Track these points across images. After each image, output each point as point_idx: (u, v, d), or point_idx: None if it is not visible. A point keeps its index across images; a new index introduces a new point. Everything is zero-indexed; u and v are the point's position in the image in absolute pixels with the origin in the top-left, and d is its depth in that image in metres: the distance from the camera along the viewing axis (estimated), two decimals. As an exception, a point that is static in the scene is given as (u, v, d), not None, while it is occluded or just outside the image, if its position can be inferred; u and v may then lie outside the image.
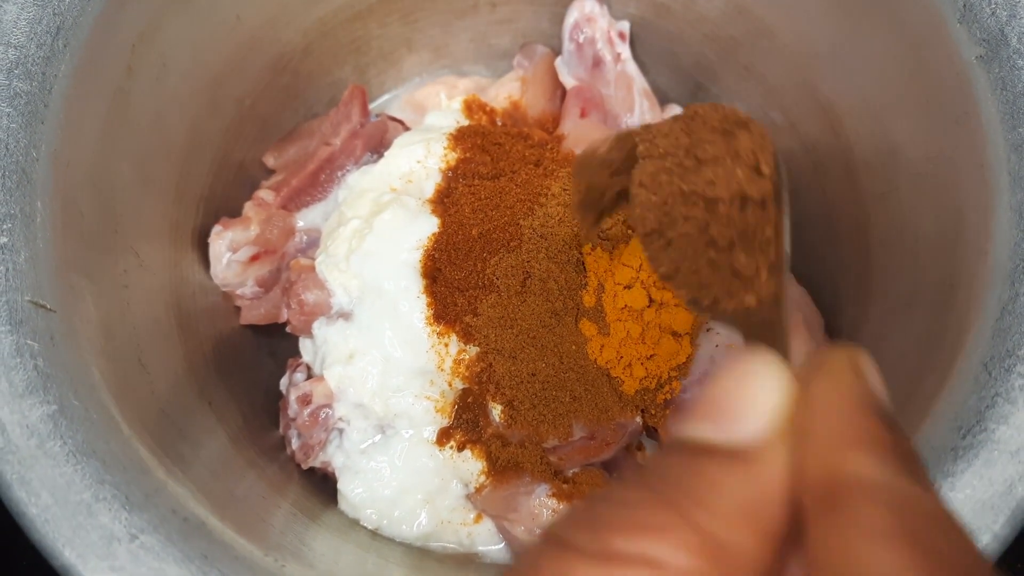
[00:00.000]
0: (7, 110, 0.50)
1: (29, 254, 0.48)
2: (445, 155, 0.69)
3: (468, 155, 0.69)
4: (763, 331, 0.39)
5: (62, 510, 0.43)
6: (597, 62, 0.75)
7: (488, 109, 0.77)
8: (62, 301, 0.49)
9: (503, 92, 0.78)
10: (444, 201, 0.66)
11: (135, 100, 0.59)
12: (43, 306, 0.48)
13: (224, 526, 0.48)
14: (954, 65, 0.54)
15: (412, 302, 0.62)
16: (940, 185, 0.56)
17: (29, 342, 0.46)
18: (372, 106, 0.81)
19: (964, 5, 0.53)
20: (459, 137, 0.70)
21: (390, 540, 0.63)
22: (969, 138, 0.53)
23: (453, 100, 0.77)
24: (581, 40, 0.75)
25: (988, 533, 0.43)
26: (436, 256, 0.63)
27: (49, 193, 0.51)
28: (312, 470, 0.66)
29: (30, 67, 0.51)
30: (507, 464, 0.62)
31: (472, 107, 0.76)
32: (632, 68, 0.75)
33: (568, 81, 0.75)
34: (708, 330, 0.61)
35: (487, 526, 0.63)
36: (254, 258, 0.68)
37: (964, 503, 0.43)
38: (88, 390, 0.47)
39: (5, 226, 0.48)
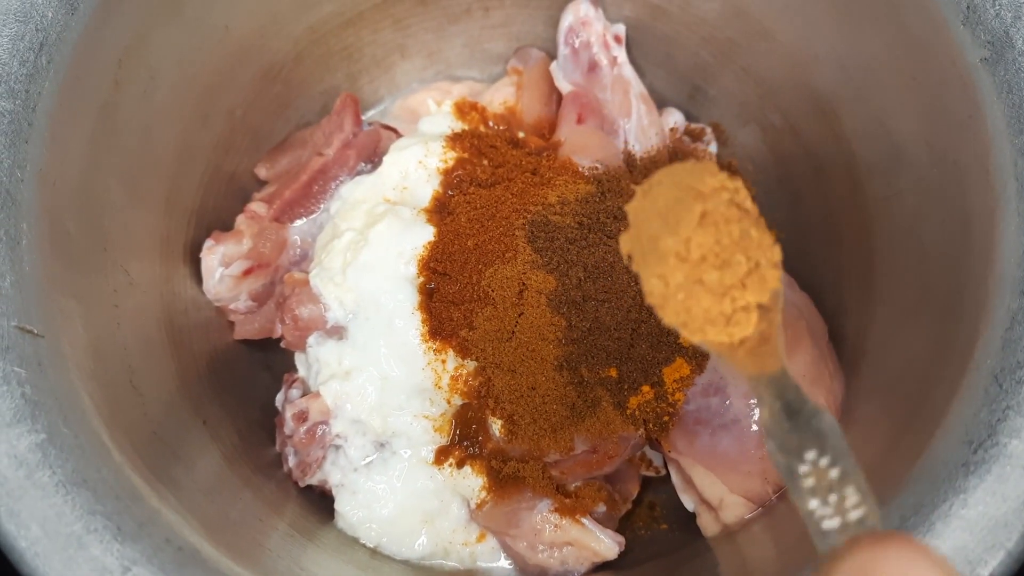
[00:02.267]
0: (-10, 130, 0.49)
1: (15, 278, 0.47)
2: (444, 155, 0.67)
3: (466, 155, 0.68)
4: (756, 362, 0.40)
5: (52, 543, 0.42)
6: (593, 66, 0.73)
7: (480, 107, 0.75)
8: (50, 325, 0.48)
9: (498, 97, 0.76)
10: (440, 211, 0.65)
11: (123, 115, 0.58)
12: (30, 331, 0.47)
13: (219, 553, 0.47)
14: (958, 68, 0.53)
15: (407, 319, 0.61)
16: (945, 190, 0.55)
17: (16, 369, 0.45)
18: (367, 115, 0.80)
19: (968, 7, 0.52)
20: (455, 139, 0.69)
21: (390, 558, 0.62)
22: (974, 142, 0.52)
23: (443, 104, 0.76)
24: (576, 44, 0.73)
25: (1002, 551, 0.42)
26: (432, 267, 0.62)
27: (35, 214, 0.50)
28: (310, 487, 0.65)
29: (13, 85, 0.50)
30: (508, 479, 0.61)
31: (463, 108, 0.75)
32: (628, 72, 0.74)
33: (564, 86, 0.74)
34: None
35: (490, 544, 0.62)
36: (247, 272, 0.67)
37: (977, 521, 0.42)
38: (78, 416, 0.46)
39: (-10, 250, 0.47)
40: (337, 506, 0.62)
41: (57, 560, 0.42)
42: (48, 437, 0.44)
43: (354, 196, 0.67)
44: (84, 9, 0.53)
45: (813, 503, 0.37)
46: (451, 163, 0.67)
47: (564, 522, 0.60)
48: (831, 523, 0.37)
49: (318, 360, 0.62)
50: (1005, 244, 0.49)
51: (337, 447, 0.62)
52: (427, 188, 0.67)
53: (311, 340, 0.63)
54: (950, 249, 0.53)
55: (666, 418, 0.60)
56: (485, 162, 0.68)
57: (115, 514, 0.43)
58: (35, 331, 0.47)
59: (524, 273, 0.60)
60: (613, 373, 0.59)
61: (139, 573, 0.42)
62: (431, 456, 0.61)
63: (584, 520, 0.61)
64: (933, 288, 0.55)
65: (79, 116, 0.54)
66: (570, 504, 0.61)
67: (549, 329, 0.59)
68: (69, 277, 0.52)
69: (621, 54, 0.74)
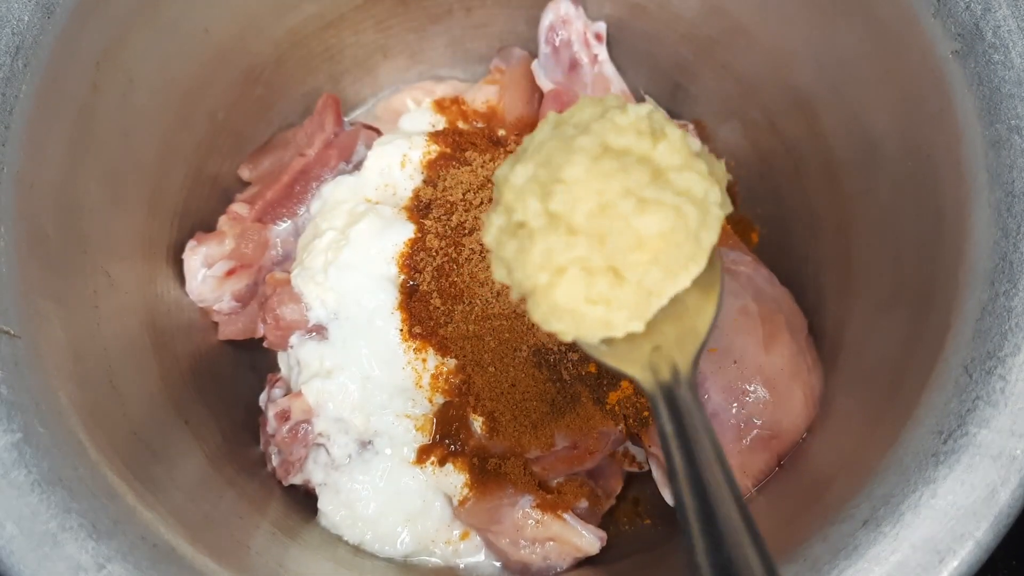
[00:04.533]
0: (-34, 133, 0.49)
1: (-9, 280, 0.48)
2: (427, 147, 0.68)
3: (448, 150, 0.68)
4: None
5: (27, 541, 0.42)
6: (574, 64, 0.74)
7: (460, 100, 0.76)
8: (27, 326, 0.49)
9: (480, 96, 0.77)
10: (420, 208, 0.65)
11: (101, 118, 0.58)
12: (7, 332, 0.47)
13: (196, 551, 0.47)
14: (929, 60, 0.53)
15: (387, 318, 0.61)
16: (919, 182, 0.55)
17: (-8, 369, 0.45)
18: (351, 115, 0.80)
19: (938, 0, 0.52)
20: (436, 136, 0.69)
21: (373, 556, 0.62)
22: (946, 135, 0.52)
23: (423, 103, 0.76)
24: (557, 43, 0.74)
25: (971, 540, 0.42)
26: (412, 264, 0.62)
27: (12, 216, 0.50)
28: (294, 486, 0.65)
29: (-11, 89, 0.50)
30: (490, 476, 0.61)
31: (443, 104, 0.75)
32: (609, 70, 0.74)
33: (545, 84, 0.74)
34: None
35: (473, 542, 0.63)
36: (230, 272, 0.67)
37: (946, 510, 0.42)
38: (55, 416, 0.47)
39: (-34, 252, 0.47)
40: (320, 505, 0.62)
41: (32, 558, 0.42)
42: (24, 436, 0.44)
43: (335, 196, 0.68)
44: (61, 13, 0.54)
45: None
46: (434, 155, 0.67)
47: (546, 518, 0.60)
48: None
49: (299, 360, 0.63)
50: (976, 235, 0.49)
51: (319, 446, 0.63)
52: (409, 185, 0.67)
53: (293, 340, 0.63)
54: (924, 241, 0.54)
55: (646, 413, 0.60)
56: (464, 157, 0.68)
57: (90, 512, 0.44)
58: (12, 332, 0.47)
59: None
60: (592, 369, 0.60)
61: (113, 570, 0.43)
62: (413, 455, 0.61)
63: (566, 516, 0.61)
64: (907, 280, 0.55)
65: (57, 119, 0.54)
66: (552, 500, 0.61)
67: (527, 326, 0.59)
68: (47, 279, 0.52)
69: (602, 52, 0.75)
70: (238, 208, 0.69)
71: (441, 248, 0.62)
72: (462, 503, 0.61)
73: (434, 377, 0.61)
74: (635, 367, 0.42)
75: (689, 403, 0.40)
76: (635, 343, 0.42)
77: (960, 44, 0.51)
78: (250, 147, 0.74)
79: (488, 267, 0.60)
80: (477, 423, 0.61)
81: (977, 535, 0.42)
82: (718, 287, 0.43)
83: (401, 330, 0.61)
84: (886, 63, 0.57)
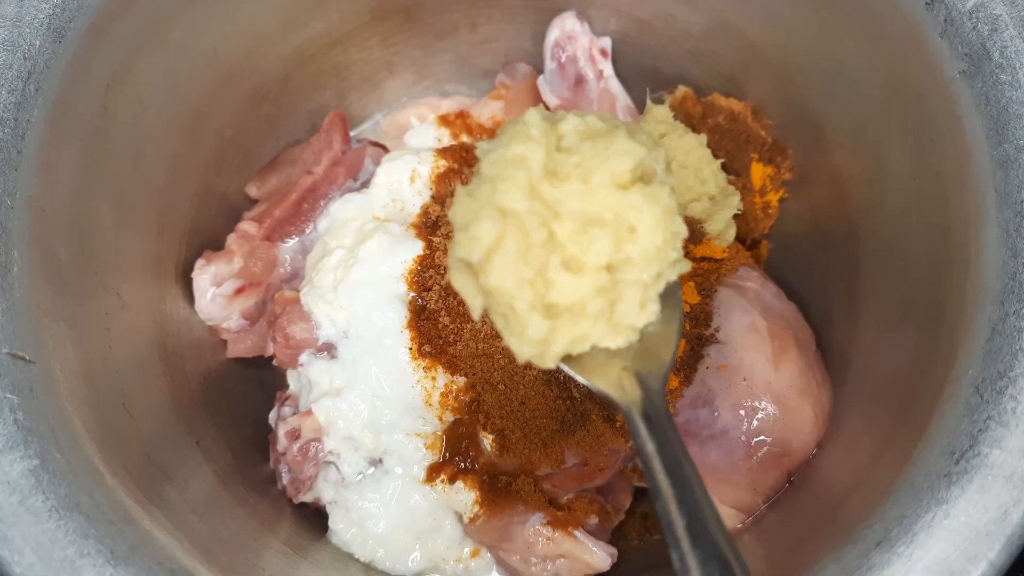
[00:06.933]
0: (-21, 159, 0.49)
1: (6, 305, 0.48)
2: (435, 162, 0.68)
3: (455, 165, 0.68)
4: None
5: (46, 568, 0.42)
6: (579, 80, 0.74)
7: (464, 114, 0.76)
8: (42, 351, 0.49)
9: (486, 112, 0.77)
10: (428, 224, 0.66)
11: (112, 139, 0.58)
12: (22, 357, 0.47)
13: (211, 574, 0.47)
14: (937, 80, 0.53)
15: (397, 336, 0.61)
16: (927, 201, 0.55)
17: (8, 395, 0.46)
18: (357, 131, 0.80)
19: (945, 19, 0.52)
20: (443, 152, 0.70)
21: (384, 574, 0.62)
22: (954, 153, 0.52)
23: (427, 119, 0.76)
24: (563, 59, 0.74)
25: (984, 561, 0.42)
26: (421, 282, 0.62)
27: (26, 241, 0.50)
28: (304, 503, 0.65)
29: (1, 114, 0.50)
30: (500, 493, 0.61)
31: (448, 119, 0.75)
32: (615, 85, 0.75)
33: (551, 100, 0.74)
34: (700, 355, 0.61)
35: (484, 559, 0.63)
36: (239, 291, 0.68)
37: (959, 531, 0.42)
38: (70, 441, 0.47)
39: (-20, 278, 0.47)
40: (331, 523, 0.63)
41: (51, 585, 0.42)
42: (41, 463, 0.45)
43: (343, 214, 0.68)
44: (71, 37, 0.54)
45: None
46: (442, 170, 0.68)
47: (557, 535, 0.61)
48: None
49: (309, 378, 0.63)
50: (985, 255, 0.49)
51: (329, 464, 0.63)
52: (417, 201, 0.67)
53: (302, 358, 0.63)
54: (932, 259, 0.54)
55: (655, 430, 0.60)
56: (470, 171, 0.68)
57: (108, 538, 0.44)
58: (26, 357, 0.47)
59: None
60: (602, 387, 0.60)
61: (131, 596, 0.43)
62: (423, 473, 0.61)
63: (576, 532, 0.61)
64: (916, 298, 0.55)
65: (68, 143, 0.54)
66: (562, 517, 0.61)
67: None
68: (60, 302, 0.52)
69: (607, 68, 0.75)
70: (246, 226, 0.69)
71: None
72: (472, 521, 0.61)
73: (444, 395, 0.61)
74: (606, 383, 0.45)
75: (665, 420, 0.43)
76: (605, 361, 0.45)
77: (967, 64, 0.51)
78: (258, 165, 0.75)
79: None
80: (487, 441, 0.61)
81: (991, 556, 0.42)
82: (678, 317, 0.47)
83: (411, 348, 0.61)
84: (893, 81, 0.57)
